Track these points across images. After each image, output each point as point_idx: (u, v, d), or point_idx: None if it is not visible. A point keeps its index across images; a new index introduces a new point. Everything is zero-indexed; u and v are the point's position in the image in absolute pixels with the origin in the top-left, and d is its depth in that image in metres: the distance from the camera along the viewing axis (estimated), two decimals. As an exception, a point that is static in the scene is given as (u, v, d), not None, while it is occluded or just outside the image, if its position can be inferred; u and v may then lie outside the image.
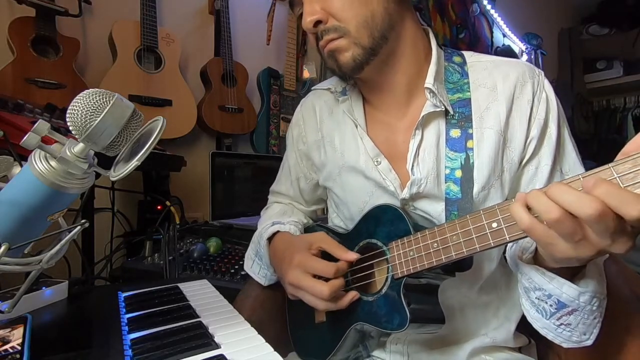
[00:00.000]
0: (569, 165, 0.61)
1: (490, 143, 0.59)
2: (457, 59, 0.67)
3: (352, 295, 0.60)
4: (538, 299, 0.48)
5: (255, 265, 0.79)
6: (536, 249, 0.49)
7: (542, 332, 0.51)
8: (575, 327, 0.48)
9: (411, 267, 0.54)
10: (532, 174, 0.61)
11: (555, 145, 0.60)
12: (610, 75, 3.66)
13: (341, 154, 0.70)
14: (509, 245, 0.59)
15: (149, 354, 0.45)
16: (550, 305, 0.47)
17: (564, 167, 0.61)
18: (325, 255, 0.62)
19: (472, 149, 0.60)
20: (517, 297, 0.65)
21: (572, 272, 0.47)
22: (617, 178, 0.36)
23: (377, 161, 0.65)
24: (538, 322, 0.51)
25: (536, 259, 0.49)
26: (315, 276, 0.59)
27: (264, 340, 0.49)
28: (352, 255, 0.60)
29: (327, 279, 0.58)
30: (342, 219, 0.75)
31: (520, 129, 0.60)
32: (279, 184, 0.88)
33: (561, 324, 0.48)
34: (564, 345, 0.49)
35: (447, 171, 0.61)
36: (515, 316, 0.65)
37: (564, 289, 0.45)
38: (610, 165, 0.36)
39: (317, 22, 0.59)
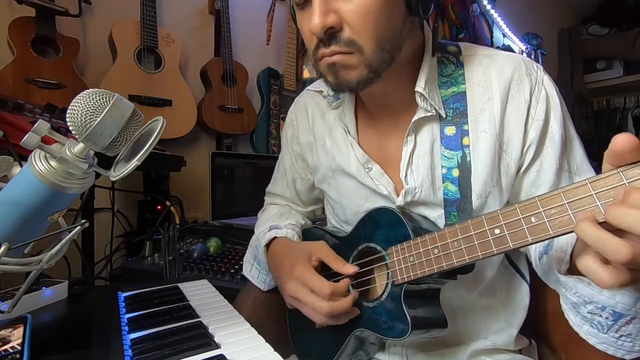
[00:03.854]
0: (576, 164, 0.58)
1: (485, 148, 0.57)
2: (451, 48, 0.63)
3: (353, 312, 0.58)
4: (591, 312, 0.44)
5: (254, 269, 0.78)
6: (571, 258, 0.46)
7: (601, 347, 0.46)
8: (636, 335, 0.43)
9: (411, 274, 0.52)
10: (534, 177, 0.58)
11: (560, 145, 0.56)
12: (610, 75, 3.65)
13: (332, 157, 0.69)
14: (535, 257, 0.57)
15: (149, 354, 0.45)
16: (606, 318, 0.43)
17: (571, 166, 0.58)
18: (326, 265, 0.62)
19: (468, 146, 0.57)
20: (519, 302, 0.65)
21: None
22: (627, 184, 0.34)
23: (368, 167, 0.64)
24: (594, 338, 0.46)
25: (573, 270, 0.45)
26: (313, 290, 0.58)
27: (264, 341, 0.49)
28: (349, 269, 0.59)
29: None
30: (338, 222, 0.74)
31: (516, 132, 0.56)
32: (275, 185, 0.86)
33: (621, 335, 0.44)
34: (627, 357, 0.45)
35: (444, 171, 0.58)
36: (517, 322, 0.64)
37: (618, 298, 0.42)
38: (619, 170, 0.34)
39: (330, 29, 0.50)
